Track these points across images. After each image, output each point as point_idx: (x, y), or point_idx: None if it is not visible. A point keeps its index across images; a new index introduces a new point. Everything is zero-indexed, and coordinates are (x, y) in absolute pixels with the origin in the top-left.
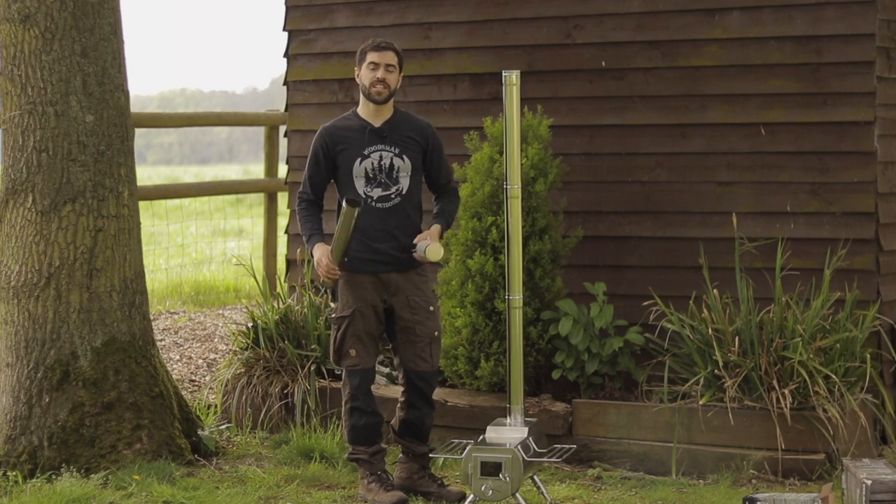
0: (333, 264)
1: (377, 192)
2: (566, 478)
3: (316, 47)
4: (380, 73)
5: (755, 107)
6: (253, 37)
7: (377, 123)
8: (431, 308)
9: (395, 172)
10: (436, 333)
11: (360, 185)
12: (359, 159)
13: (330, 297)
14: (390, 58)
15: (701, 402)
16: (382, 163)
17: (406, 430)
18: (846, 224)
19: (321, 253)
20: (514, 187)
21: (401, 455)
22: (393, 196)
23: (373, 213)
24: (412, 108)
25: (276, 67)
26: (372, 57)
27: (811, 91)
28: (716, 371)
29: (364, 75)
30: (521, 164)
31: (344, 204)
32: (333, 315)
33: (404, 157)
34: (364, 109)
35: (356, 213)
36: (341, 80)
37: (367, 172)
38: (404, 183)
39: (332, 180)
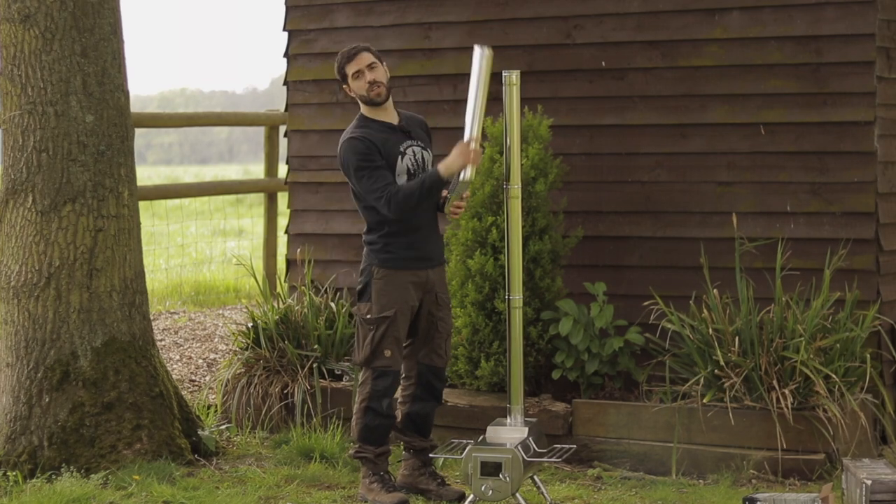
0: (473, 144)
1: None
2: (566, 478)
3: (316, 47)
4: (368, 77)
5: (755, 107)
6: (253, 37)
7: (395, 122)
8: (451, 304)
9: (426, 166)
10: (451, 329)
11: (401, 182)
12: (400, 157)
13: (358, 296)
14: (367, 58)
15: (701, 402)
16: (417, 158)
17: (409, 425)
18: (846, 224)
19: (456, 153)
20: (514, 187)
21: (403, 452)
22: None
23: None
24: (412, 108)
25: (276, 67)
26: (351, 68)
27: (811, 91)
28: (716, 371)
29: (356, 87)
30: (521, 164)
31: (481, 49)
32: (369, 316)
33: (427, 149)
34: (373, 114)
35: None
36: None
37: (408, 169)
38: None
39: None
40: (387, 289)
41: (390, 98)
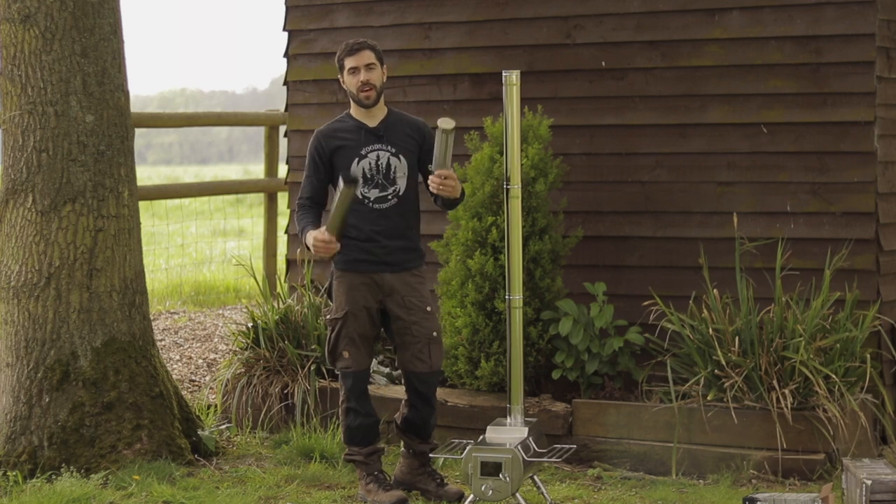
0: (330, 237)
1: (374, 193)
2: (566, 478)
3: (316, 47)
4: (362, 76)
5: (755, 107)
6: (253, 37)
7: (372, 123)
8: (429, 308)
9: (392, 172)
10: (434, 334)
11: (357, 186)
12: (356, 159)
13: (327, 296)
14: (367, 57)
15: (702, 402)
16: (380, 163)
17: (408, 428)
18: (846, 224)
19: (315, 234)
20: (514, 187)
21: (402, 449)
22: (390, 197)
23: (369, 213)
24: (412, 107)
25: (276, 67)
26: (350, 62)
27: (811, 91)
28: (716, 371)
29: (348, 81)
30: (521, 164)
31: (340, 183)
32: (328, 316)
33: (401, 156)
34: (357, 111)
35: (353, 191)
36: None
37: (364, 173)
38: (401, 183)
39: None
40: (339, 290)
41: (381, 100)
